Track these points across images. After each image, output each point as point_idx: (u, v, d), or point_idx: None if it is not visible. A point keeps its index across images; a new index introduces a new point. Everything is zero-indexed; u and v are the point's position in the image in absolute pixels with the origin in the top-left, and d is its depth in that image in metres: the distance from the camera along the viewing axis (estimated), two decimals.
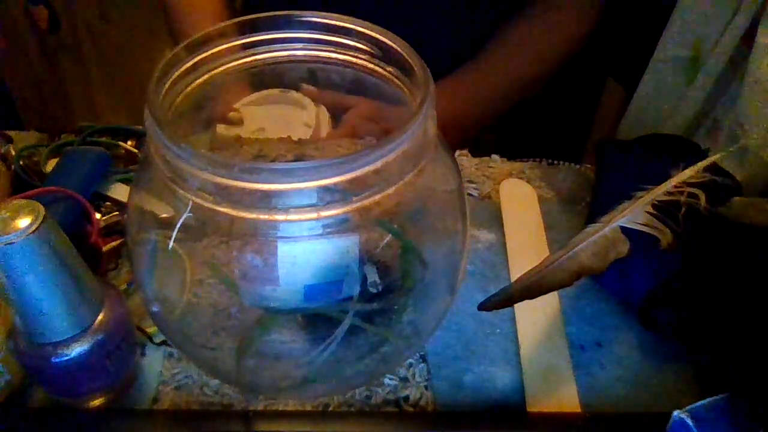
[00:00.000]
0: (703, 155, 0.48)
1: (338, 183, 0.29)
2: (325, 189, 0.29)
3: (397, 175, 0.30)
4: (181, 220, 0.31)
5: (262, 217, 0.29)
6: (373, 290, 0.37)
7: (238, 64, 0.38)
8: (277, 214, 0.29)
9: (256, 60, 0.39)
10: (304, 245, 0.32)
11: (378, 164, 0.29)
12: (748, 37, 0.55)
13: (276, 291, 0.35)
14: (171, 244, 0.32)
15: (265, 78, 0.40)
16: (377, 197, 0.30)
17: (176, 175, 0.30)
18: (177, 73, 0.35)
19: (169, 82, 0.34)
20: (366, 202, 0.30)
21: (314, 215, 0.29)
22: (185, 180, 0.30)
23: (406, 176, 0.31)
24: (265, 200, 0.29)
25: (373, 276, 0.36)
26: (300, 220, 0.29)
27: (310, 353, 0.38)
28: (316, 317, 0.39)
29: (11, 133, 0.60)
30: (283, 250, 0.32)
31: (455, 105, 0.67)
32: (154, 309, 0.38)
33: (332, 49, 0.38)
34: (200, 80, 0.37)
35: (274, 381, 0.41)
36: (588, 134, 0.88)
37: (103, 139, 0.60)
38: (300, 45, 0.39)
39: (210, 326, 0.40)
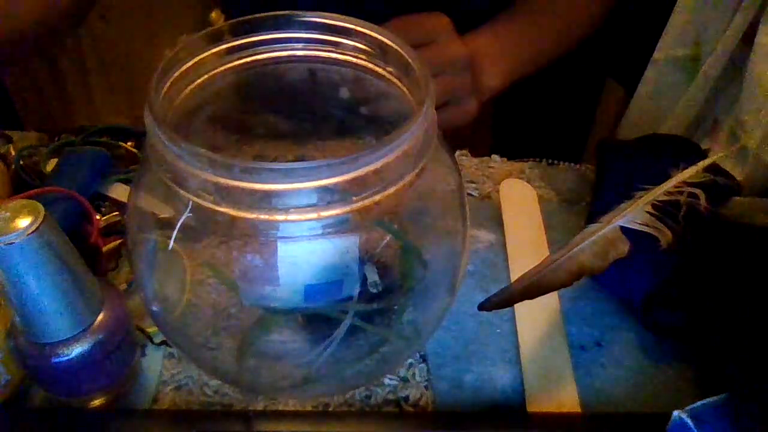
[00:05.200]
0: (703, 155, 0.48)
1: (338, 183, 0.29)
2: (325, 189, 0.29)
3: (397, 175, 0.30)
4: (181, 221, 0.31)
5: (262, 217, 0.29)
6: (373, 290, 0.37)
7: (238, 64, 0.38)
8: (277, 214, 0.29)
9: (256, 60, 0.39)
10: (304, 245, 0.32)
11: (378, 164, 0.29)
12: (748, 37, 0.55)
13: (276, 291, 0.35)
14: (171, 244, 0.32)
15: (265, 78, 0.40)
16: (377, 197, 0.30)
17: (176, 175, 0.30)
18: (177, 73, 0.35)
19: (169, 82, 0.34)
20: (366, 202, 0.30)
21: (314, 215, 0.29)
22: (185, 180, 0.30)
23: (406, 176, 0.31)
24: (265, 200, 0.29)
25: (373, 276, 0.36)
26: (300, 221, 0.29)
27: (310, 353, 0.38)
28: (317, 317, 0.39)
29: (11, 133, 0.60)
30: (283, 250, 0.32)
31: (496, 43, 0.64)
32: (154, 309, 0.38)
33: (332, 49, 0.38)
34: (200, 80, 0.37)
35: (275, 381, 0.41)
36: (588, 134, 0.88)
37: (103, 139, 0.60)
38: (300, 45, 0.39)
39: (210, 326, 0.40)
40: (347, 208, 0.30)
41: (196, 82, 0.37)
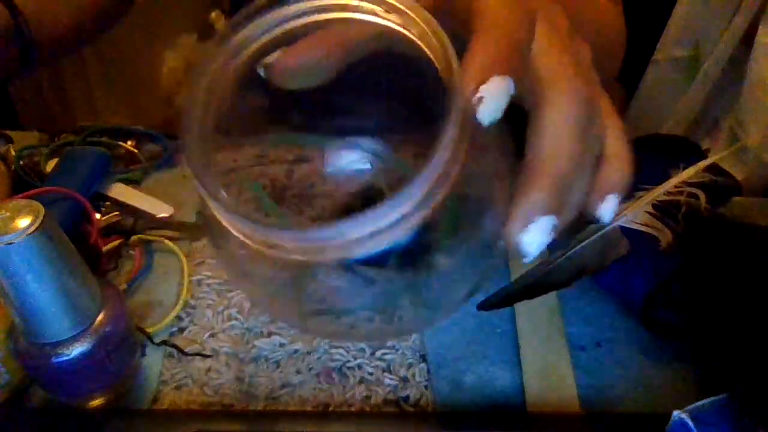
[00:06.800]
0: (703, 155, 0.48)
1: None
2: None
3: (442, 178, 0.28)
4: None
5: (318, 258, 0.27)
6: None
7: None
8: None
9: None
10: None
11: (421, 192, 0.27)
12: (748, 37, 0.55)
13: None
14: None
15: None
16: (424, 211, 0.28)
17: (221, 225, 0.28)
18: (203, 95, 0.31)
19: (200, 110, 0.31)
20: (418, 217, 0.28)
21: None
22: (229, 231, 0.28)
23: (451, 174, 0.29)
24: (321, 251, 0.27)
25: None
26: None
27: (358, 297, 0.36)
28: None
29: (11, 133, 0.60)
30: None
31: None
32: None
33: None
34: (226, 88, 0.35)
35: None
36: None
37: (103, 139, 0.60)
38: None
39: None
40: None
41: (220, 93, 0.34)
